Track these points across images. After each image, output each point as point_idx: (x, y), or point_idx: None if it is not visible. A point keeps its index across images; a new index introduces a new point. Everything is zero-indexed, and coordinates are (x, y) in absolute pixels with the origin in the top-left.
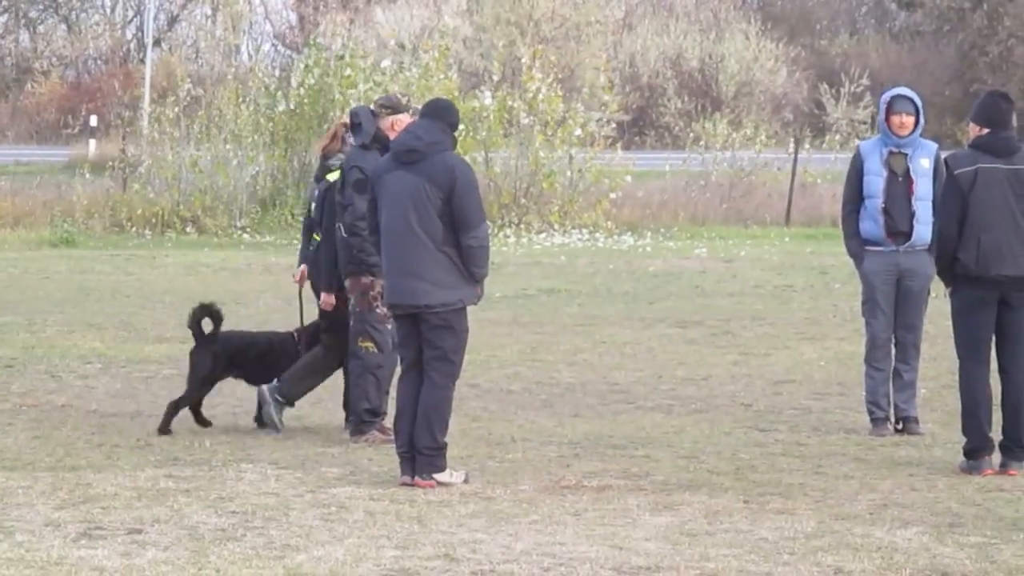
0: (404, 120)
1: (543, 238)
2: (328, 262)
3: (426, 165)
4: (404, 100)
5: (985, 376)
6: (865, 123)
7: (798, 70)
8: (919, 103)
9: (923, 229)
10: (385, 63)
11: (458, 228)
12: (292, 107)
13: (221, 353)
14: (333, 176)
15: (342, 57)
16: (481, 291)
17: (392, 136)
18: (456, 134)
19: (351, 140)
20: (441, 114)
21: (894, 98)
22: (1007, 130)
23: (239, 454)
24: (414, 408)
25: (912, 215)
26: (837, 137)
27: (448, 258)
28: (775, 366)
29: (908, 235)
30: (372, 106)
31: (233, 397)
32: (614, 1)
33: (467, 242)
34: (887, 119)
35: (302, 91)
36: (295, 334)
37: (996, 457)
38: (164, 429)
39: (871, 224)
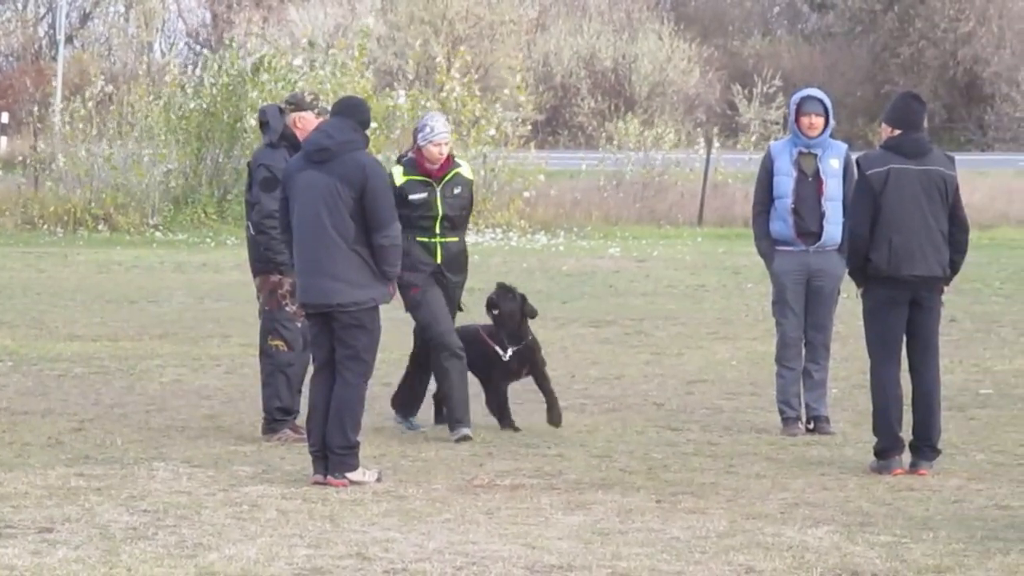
0: (308, 117)
1: None
2: None
3: (338, 164)
4: (310, 98)
5: (896, 376)
6: (777, 123)
7: (711, 70)
8: (828, 104)
9: (833, 229)
10: (297, 62)
11: (370, 227)
12: (205, 105)
13: None
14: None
15: (259, 63)
16: (393, 290)
17: (298, 133)
18: (368, 132)
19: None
20: (352, 112)
21: (803, 99)
22: (919, 131)
23: (151, 452)
24: (326, 407)
25: (822, 215)
26: (754, 138)
27: (360, 257)
28: (688, 365)
29: (818, 235)
30: (281, 104)
31: (145, 395)
32: (528, 1)
33: (379, 241)
34: (797, 120)
35: (215, 90)
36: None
37: (906, 457)
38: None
39: (781, 224)
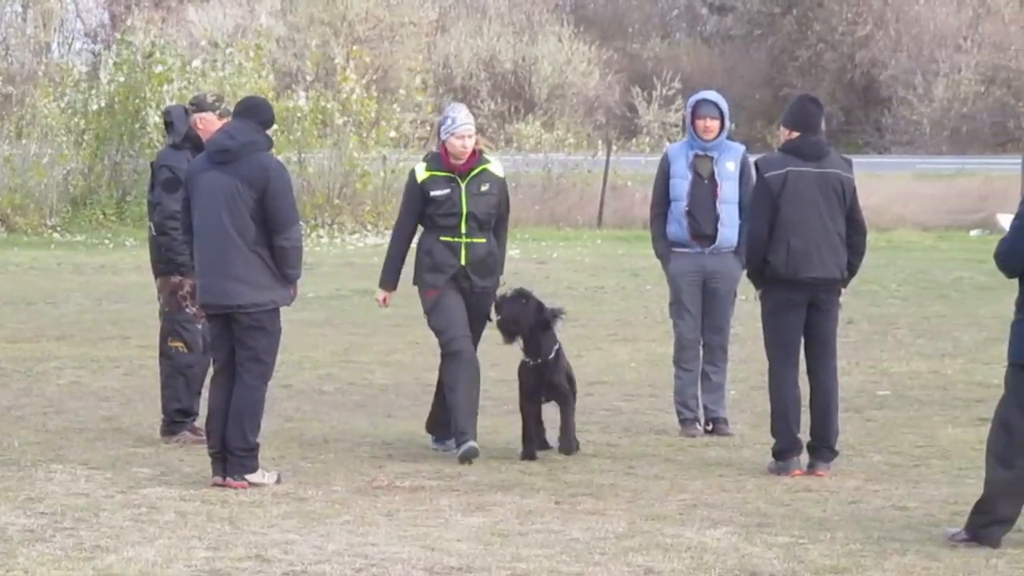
0: (209, 118)
1: (357, 239)
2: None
3: (239, 165)
4: (212, 99)
5: (794, 378)
6: (676, 126)
7: (610, 73)
8: (724, 107)
9: (727, 232)
10: (196, 62)
11: (271, 229)
12: (103, 105)
13: None
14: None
15: (151, 55)
16: (295, 292)
17: (200, 134)
18: (271, 132)
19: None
20: (254, 113)
21: (699, 102)
22: (816, 134)
23: (49, 454)
24: (226, 409)
25: (716, 218)
26: (647, 139)
27: (261, 259)
28: (587, 367)
29: (712, 238)
30: (186, 105)
31: (42, 397)
32: (428, 2)
33: (280, 243)
34: (693, 123)
35: (112, 88)
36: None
37: (804, 458)
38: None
39: (676, 227)
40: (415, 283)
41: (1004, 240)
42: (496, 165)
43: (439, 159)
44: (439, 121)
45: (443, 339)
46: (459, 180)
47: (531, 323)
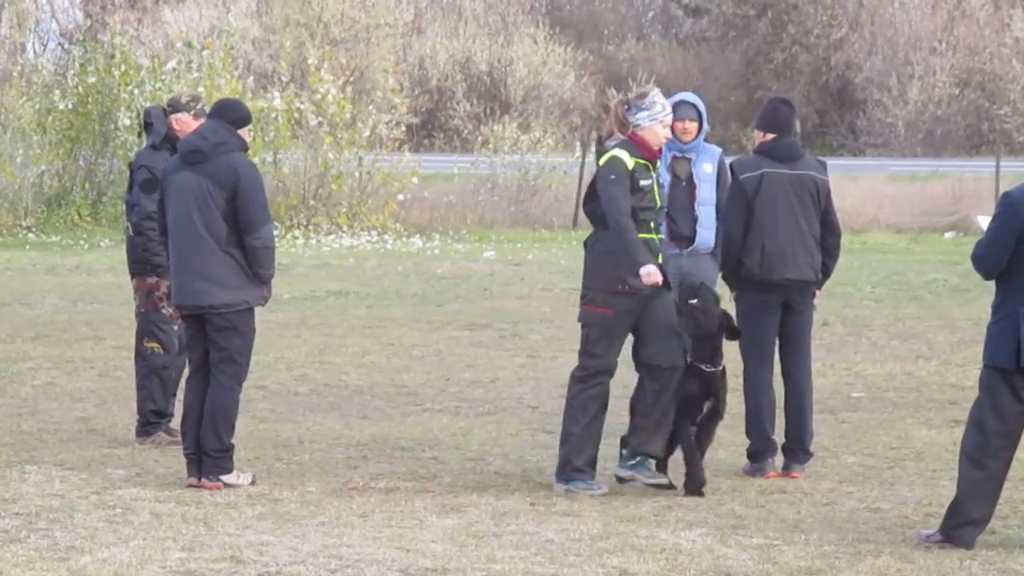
0: (185, 119)
1: (331, 240)
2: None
3: (210, 165)
4: (186, 100)
5: (769, 379)
6: None
7: (586, 75)
8: (702, 109)
9: (706, 234)
10: (171, 64)
11: (242, 229)
12: (73, 105)
13: None
14: (603, 159)
15: (112, 55)
16: (268, 292)
17: (177, 135)
18: (248, 131)
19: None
20: (225, 113)
21: (677, 104)
22: (790, 136)
23: (23, 455)
24: (201, 409)
25: (695, 220)
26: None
27: (233, 259)
28: (563, 368)
29: (691, 239)
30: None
31: (16, 398)
32: (403, 4)
33: (251, 243)
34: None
35: (81, 89)
36: None
37: (779, 460)
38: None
39: None
40: (599, 285)
41: (980, 242)
42: None
43: (635, 147)
44: (630, 106)
45: (584, 365)
46: (653, 171)
47: (718, 324)
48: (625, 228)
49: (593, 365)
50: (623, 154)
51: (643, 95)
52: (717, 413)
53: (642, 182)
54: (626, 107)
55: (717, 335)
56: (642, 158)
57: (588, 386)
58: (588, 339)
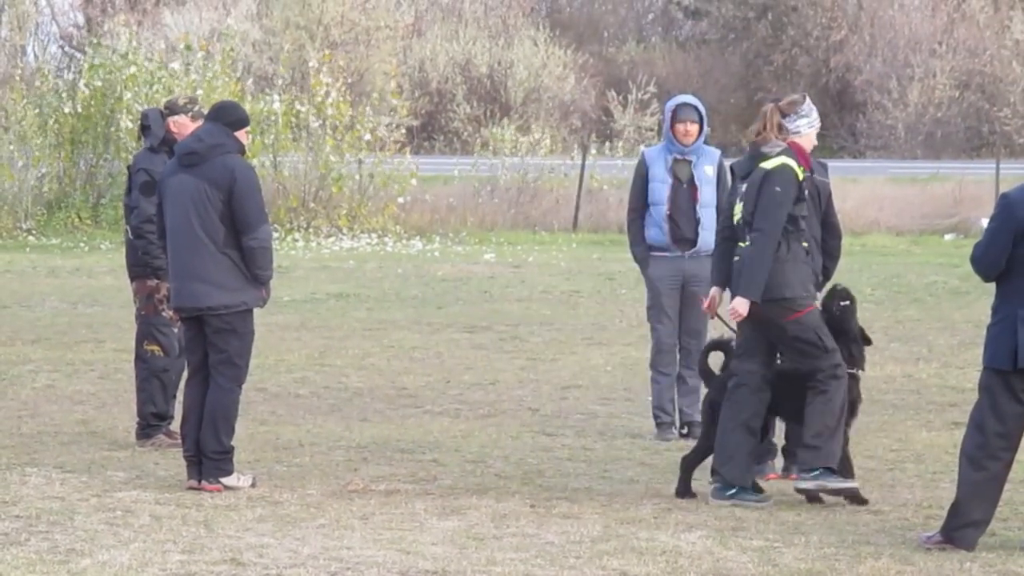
0: (182, 121)
1: (332, 242)
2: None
3: (207, 167)
4: (184, 102)
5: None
6: (652, 130)
7: (586, 77)
8: (703, 111)
9: (708, 236)
10: (173, 65)
11: (239, 230)
12: (78, 109)
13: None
14: (768, 164)
15: (125, 55)
16: (267, 294)
17: (175, 137)
18: (247, 133)
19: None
20: (221, 116)
21: (679, 106)
22: None
23: (23, 458)
24: (200, 412)
25: (697, 222)
26: (621, 144)
27: (230, 260)
28: (562, 371)
29: (693, 242)
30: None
31: (17, 401)
32: (404, 6)
33: (248, 243)
34: (672, 127)
35: (87, 92)
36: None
37: (779, 462)
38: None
39: (656, 231)
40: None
41: (979, 244)
42: None
43: (794, 155)
44: (784, 112)
45: (834, 360)
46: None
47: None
48: (773, 244)
49: (838, 357)
50: (792, 163)
51: (797, 101)
52: (852, 413)
53: (806, 191)
54: (786, 114)
55: (856, 339)
56: (799, 165)
57: (843, 381)
58: (821, 337)
